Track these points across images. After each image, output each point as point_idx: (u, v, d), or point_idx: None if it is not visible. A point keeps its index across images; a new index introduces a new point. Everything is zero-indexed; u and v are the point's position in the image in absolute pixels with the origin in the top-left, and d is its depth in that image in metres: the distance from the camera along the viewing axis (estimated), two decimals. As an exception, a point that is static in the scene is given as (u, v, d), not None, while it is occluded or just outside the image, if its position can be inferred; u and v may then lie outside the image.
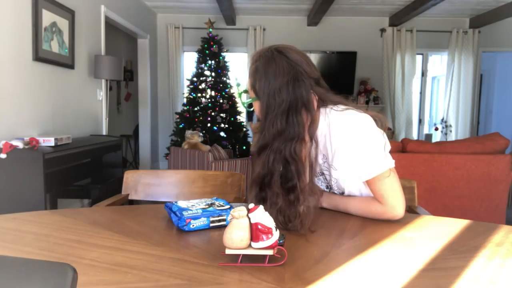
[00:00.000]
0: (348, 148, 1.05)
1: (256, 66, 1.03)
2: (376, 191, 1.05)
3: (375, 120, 1.06)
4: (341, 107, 1.07)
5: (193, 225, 0.95)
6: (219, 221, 0.97)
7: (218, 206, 1.01)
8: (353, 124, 1.04)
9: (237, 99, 5.76)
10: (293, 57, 1.01)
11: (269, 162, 0.99)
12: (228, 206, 1.02)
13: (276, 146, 0.99)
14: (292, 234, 0.92)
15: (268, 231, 0.73)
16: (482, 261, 0.77)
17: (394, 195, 1.03)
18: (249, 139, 5.94)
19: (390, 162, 1.05)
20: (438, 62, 8.20)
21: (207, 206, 1.00)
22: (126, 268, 0.73)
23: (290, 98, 0.98)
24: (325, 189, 1.19)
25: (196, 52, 5.83)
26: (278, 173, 0.99)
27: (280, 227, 0.90)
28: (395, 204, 1.03)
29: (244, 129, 5.79)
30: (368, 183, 1.07)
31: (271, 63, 1.00)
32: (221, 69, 5.63)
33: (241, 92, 1.14)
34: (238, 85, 1.33)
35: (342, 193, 1.15)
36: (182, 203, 1.03)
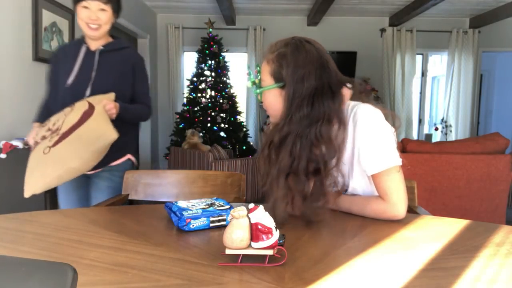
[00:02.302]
0: (359, 140, 1.06)
1: (284, 52, 1.04)
2: (381, 187, 1.05)
3: (387, 118, 1.08)
4: (354, 102, 1.10)
5: (193, 225, 0.95)
6: (219, 221, 0.97)
7: (218, 206, 1.01)
8: (365, 116, 1.06)
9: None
10: (319, 47, 1.07)
11: (296, 148, 1.01)
12: (228, 206, 1.02)
13: (302, 131, 1.01)
14: (292, 234, 0.92)
15: (268, 231, 0.73)
16: (482, 261, 0.77)
17: (398, 193, 1.04)
18: (249, 139, 5.94)
19: (399, 160, 1.06)
20: (438, 62, 8.20)
21: (207, 206, 1.00)
22: (126, 268, 0.73)
23: (317, 83, 1.01)
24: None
25: (196, 52, 5.83)
26: (305, 159, 1.01)
27: (304, 216, 0.96)
28: (398, 203, 1.03)
29: (244, 129, 5.79)
30: (374, 177, 1.06)
31: (300, 50, 1.03)
32: (221, 69, 5.63)
33: (254, 81, 1.12)
34: (250, 73, 1.27)
35: (345, 191, 1.15)
36: (182, 203, 1.03)
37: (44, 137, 1.48)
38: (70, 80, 1.67)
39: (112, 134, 1.46)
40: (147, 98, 1.79)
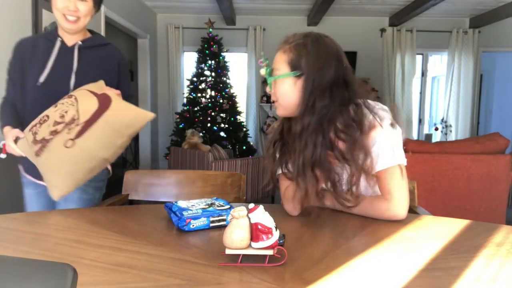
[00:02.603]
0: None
1: (303, 42, 1.06)
2: (384, 185, 1.05)
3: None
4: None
5: (193, 225, 0.95)
6: (219, 221, 0.97)
7: (218, 206, 1.01)
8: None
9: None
10: (336, 43, 1.09)
11: (319, 138, 1.02)
12: (228, 206, 1.02)
13: (322, 121, 1.02)
14: (292, 234, 0.92)
15: (268, 231, 0.73)
16: (482, 261, 0.77)
17: (401, 193, 1.04)
18: (249, 139, 5.94)
19: (404, 159, 1.07)
20: (438, 62, 8.20)
21: (207, 206, 1.00)
22: (126, 268, 0.73)
23: (335, 75, 1.04)
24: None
25: (196, 52, 5.83)
26: (325, 149, 1.03)
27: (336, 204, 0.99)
28: (400, 202, 1.03)
29: (244, 129, 5.79)
30: (379, 174, 1.06)
31: (320, 41, 1.06)
32: (221, 69, 5.63)
33: (269, 68, 1.11)
34: (266, 59, 1.23)
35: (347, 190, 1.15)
36: (182, 203, 1.03)
37: (54, 132, 1.24)
38: (42, 78, 1.47)
39: (148, 113, 1.30)
40: (132, 100, 1.55)
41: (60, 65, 1.50)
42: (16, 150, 1.36)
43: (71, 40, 1.53)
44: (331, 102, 1.03)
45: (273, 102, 1.13)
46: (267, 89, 1.13)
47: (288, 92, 1.07)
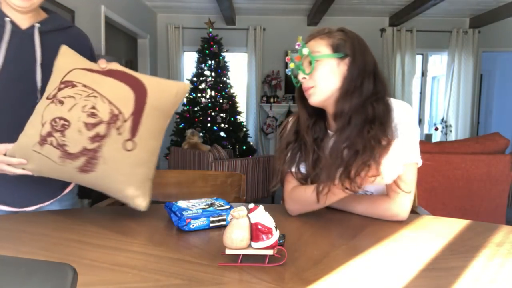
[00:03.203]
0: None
1: (342, 29, 1.08)
2: (394, 181, 1.02)
3: None
4: None
5: (193, 225, 0.95)
6: (219, 221, 0.97)
7: (218, 206, 1.01)
8: (401, 110, 1.06)
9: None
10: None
11: (361, 124, 1.01)
12: (228, 206, 1.02)
13: (366, 105, 1.02)
14: (292, 234, 0.92)
15: (268, 231, 0.73)
16: (482, 261, 0.77)
17: (407, 193, 1.03)
18: (249, 139, 5.94)
19: (420, 159, 1.08)
20: (438, 62, 8.20)
21: (207, 206, 1.00)
22: (126, 268, 0.73)
23: (374, 61, 1.07)
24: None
25: (196, 52, 5.83)
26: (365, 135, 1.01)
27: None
28: (403, 201, 1.03)
29: (244, 129, 5.79)
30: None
31: (353, 32, 1.10)
32: (221, 69, 5.63)
33: (309, 53, 1.06)
34: (303, 42, 1.16)
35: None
36: (182, 203, 1.03)
37: (97, 137, 0.99)
38: None
39: (185, 84, 1.12)
40: None
41: (17, 56, 1.16)
42: (13, 170, 1.02)
43: (24, 21, 1.18)
44: (374, 86, 1.04)
45: (307, 89, 1.08)
46: (300, 76, 1.08)
47: (330, 75, 1.05)
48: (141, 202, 1.03)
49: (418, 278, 0.70)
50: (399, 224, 1.01)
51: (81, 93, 1.00)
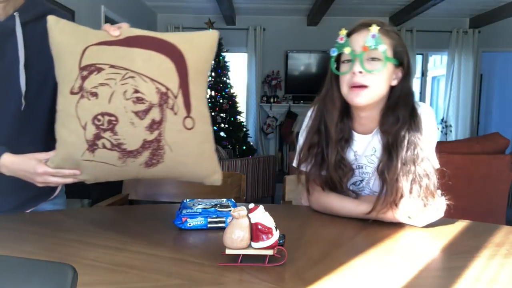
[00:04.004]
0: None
1: (398, 34, 1.04)
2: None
3: None
4: None
5: (190, 224, 0.94)
6: (217, 222, 0.96)
7: (220, 207, 1.00)
8: (426, 113, 1.06)
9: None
10: None
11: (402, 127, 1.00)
12: (231, 208, 1.01)
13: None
14: (292, 234, 0.92)
15: (268, 231, 0.73)
16: (482, 261, 0.77)
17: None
18: (249, 139, 5.94)
19: (437, 163, 1.05)
20: (438, 62, 8.20)
21: (209, 206, 1.00)
22: (126, 268, 0.73)
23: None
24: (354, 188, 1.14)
25: (196, 52, 5.82)
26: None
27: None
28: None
29: (244, 129, 5.79)
30: None
31: None
32: (221, 69, 5.63)
33: (377, 48, 0.97)
34: (380, 42, 0.96)
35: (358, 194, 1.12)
36: (191, 202, 1.03)
37: (154, 124, 0.85)
38: None
39: (213, 31, 0.95)
40: None
41: None
42: (61, 181, 0.90)
43: (1, 10, 0.97)
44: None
45: (359, 86, 0.98)
46: (356, 68, 0.97)
47: (386, 80, 1.00)
48: (217, 177, 0.95)
49: (418, 278, 0.70)
50: (399, 224, 1.01)
51: (114, 77, 0.82)
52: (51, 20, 0.86)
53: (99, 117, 0.81)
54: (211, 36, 0.93)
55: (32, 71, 0.97)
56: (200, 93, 0.90)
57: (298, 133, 1.19)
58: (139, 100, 0.82)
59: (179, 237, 0.92)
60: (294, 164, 1.16)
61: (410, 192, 0.96)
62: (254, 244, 0.74)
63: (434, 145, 1.05)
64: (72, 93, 0.83)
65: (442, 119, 6.51)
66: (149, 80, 0.83)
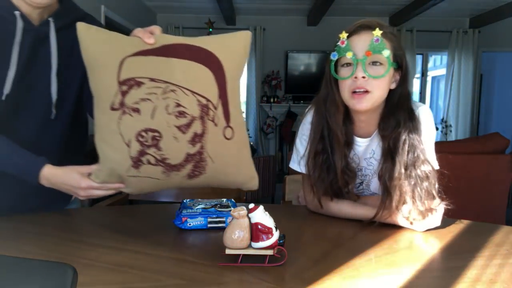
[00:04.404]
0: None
1: (396, 35, 1.02)
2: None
3: None
4: None
5: (189, 224, 0.94)
6: (217, 222, 0.97)
7: (220, 207, 1.01)
8: (425, 114, 1.05)
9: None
10: None
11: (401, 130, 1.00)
12: (231, 209, 1.01)
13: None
14: (292, 234, 0.92)
15: (268, 231, 0.73)
16: (482, 261, 0.77)
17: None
18: (249, 139, 5.92)
19: (437, 164, 1.05)
20: (438, 62, 8.20)
21: (209, 207, 1.00)
22: (126, 268, 0.73)
23: None
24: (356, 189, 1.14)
25: (196, 52, 5.82)
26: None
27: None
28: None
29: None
30: None
31: None
32: (221, 69, 5.62)
33: (380, 53, 0.95)
34: (384, 47, 0.95)
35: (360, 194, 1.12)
36: (192, 202, 1.03)
37: (196, 137, 0.84)
38: (7, 87, 0.91)
39: (246, 32, 0.92)
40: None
41: (30, 62, 0.93)
42: (103, 193, 0.90)
43: (35, 14, 0.93)
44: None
45: (361, 91, 0.96)
46: (360, 73, 0.94)
47: (387, 85, 0.99)
48: (255, 183, 0.94)
49: (418, 278, 0.70)
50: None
51: (155, 91, 0.81)
52: (81, 26, 0.83)
53: (143, 133, 0.81)
54: (245, 38, 0.90)
55: (63, 79, 0.96)
56: (237, 100, 0.90)
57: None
58: (181, 114, 0.82)
59: (179, 237, 0.92)
60: (291, 165, 1.16)
61: (412, 197, 0.95)
62: (254, 244, 0.74)
63: (433, 146, 1.05)
64: (113, 109, 0.81)
65: (442, 119, 6.51)
66: (190, 93, 0.82)
